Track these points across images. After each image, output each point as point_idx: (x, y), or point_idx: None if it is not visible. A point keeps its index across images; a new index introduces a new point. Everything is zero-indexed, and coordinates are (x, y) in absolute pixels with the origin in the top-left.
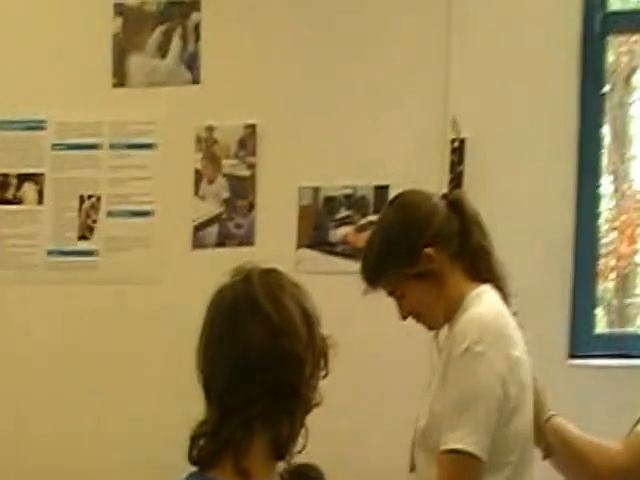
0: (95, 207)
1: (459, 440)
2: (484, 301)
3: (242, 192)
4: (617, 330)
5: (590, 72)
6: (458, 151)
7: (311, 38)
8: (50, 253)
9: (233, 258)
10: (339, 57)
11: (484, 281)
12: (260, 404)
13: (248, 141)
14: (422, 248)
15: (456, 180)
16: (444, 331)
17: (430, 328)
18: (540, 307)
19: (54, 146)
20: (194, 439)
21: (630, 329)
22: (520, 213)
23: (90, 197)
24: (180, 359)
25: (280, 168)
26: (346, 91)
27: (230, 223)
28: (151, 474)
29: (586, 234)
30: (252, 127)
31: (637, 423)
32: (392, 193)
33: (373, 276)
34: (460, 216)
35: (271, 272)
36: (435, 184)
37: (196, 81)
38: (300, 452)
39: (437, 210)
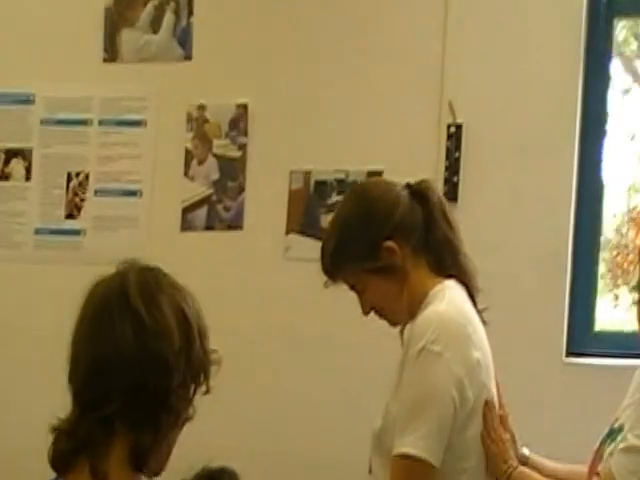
0: (83, 185)
1: (410, 444)
2: (446, 298)
3: (232, 173)
4: (615, 328)
5: (595, 54)
6: (454, 137)
7: (307, 17)
8: (37, 232)
9: (221, 242)
10: (335, 38)
11: (449, 276)
12: (118, 401)
13: (240, 121)
14: (383, 241)
15: (453, 167)
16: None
17: (393, 324)
18: (538, 302)
19: (43, 121)
20: (54, 440)
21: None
22: (519, 203)
23: (78, 174)
24: None
25: (271, 150)
26: (341, 74)
27: (219, 205)
28: None
29: (588, 226)
30: (244, 107)
31: (606, 443)
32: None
33: (332, 269)
34: (425, 207)
35: (151, 270)
36: (430, 171)
37: (188, 57)
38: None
39: (399, 201)
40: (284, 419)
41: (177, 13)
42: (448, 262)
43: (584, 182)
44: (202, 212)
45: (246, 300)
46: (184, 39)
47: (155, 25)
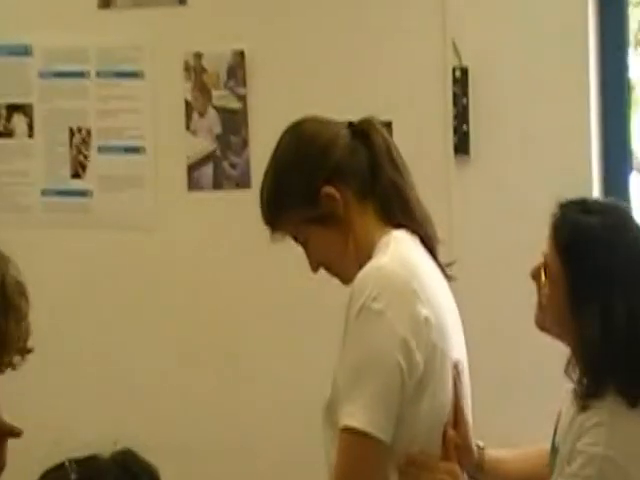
0: (86, 142)
1: (351, 416)
2: (390, 250)
3: (234, 127)
4: None
5: None
6: (460, 82)
7: None
8: (44, 193)
9: (230, 201)
10: None
11: (398, 225)
12: None
13: (237, 70)
14: (320, 185)
15: (462, 116)
16: None
17: (345, 282)
18: None
19: (41, 74)
20: None
21: None
22: (534, 153)
23: (80, 130)
24: (176, 305)
25: (272, 101)
26: (340, 18)
27: (225, 162)
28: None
29: (613, 176)
30: (240, 54)
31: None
32: (394, 132)
33: (270, 219)
34: (369, 148)
35: None
36: (439, 120)
37: (183, 1)
38: None
39: (338, 140)
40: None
41: None
42: (396, 210)
43: (609, 129)
44: (208, 169)
45: (259, 266)
46: None
47: None
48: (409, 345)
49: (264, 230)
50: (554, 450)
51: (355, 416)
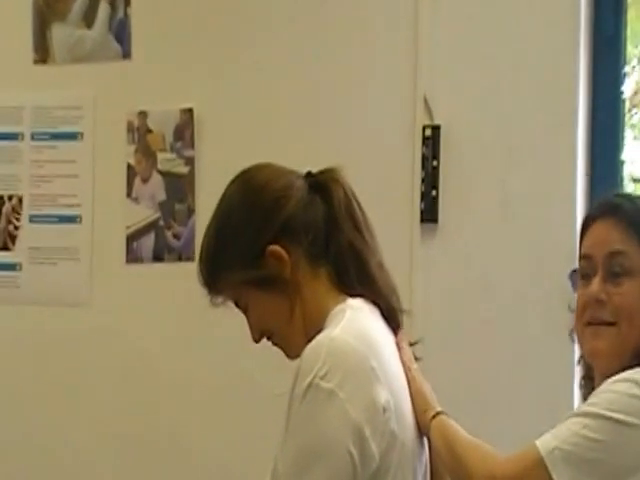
0: (16, 210)
1: None
2: (344, 320)
3: (180, 193)
4: None
5: (603, 40)
6: (430, 141)
7: (258, 7)
8: None
9: (171, 275)
10: (293, 30)
11: (356, 294)
12: None
13: (185, 130)
14: (266, 244)
15: (430, 179)
16: None
17: (290, 356)
18: (544, 352)
19: None
20: None
21: None
22: (512, 223)
23: (11, 198)
24: (111, 387)
25: (222, 164)
26: (300, 70)
27: (168, 232)
28: None
29: None
30: (189, 112)
31: None
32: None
33: (208, 279)
34: (327, 203)
35: None
36: (406, 184)
37: (127, 55)
38: None
39: (291, 192)
40: None
41: (112, 4)
42: (353, 276)
43: (594, 192)
44: (149, 240)
45: (202, 345)
46: (121, 34)
47: (89, 18)
48: (363, 433)
49: (209, 307)
50: None
51: None
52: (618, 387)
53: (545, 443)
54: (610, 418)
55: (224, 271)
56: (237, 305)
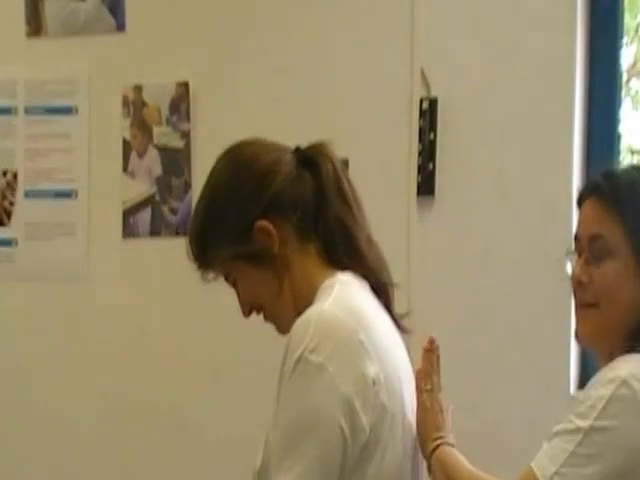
0: (11, 186)
1: None
2: (333, 294)
3: (176, 168)
4: None
5: (601, 11)
6: (428, 114)
7: None
8: None
9: (168, 250)
10: (287, 2)
11: (345, 269)
12: None
13: (181, 103)
14: (254, 219)
15: (427, 152)
16: None
17: (280, 330)
18: (541, 327)
19: None
20: None
21: None
22: (509, 196)
23: (5, 173)
24: (110, 364)
25: (218, 138)
26: (296, 41)
27: (164, 207)
28: None
29: None
30: (184, 86)
31: None
32: (351, 168)
33: (197, 254)
34: (315, 178)
35: None
36: (402, 157)
37: (121, 28)
38: None
39: (279, 167)
40: None
41: None
42: (342, 251)
43: (591, 165)
44: (146, 215)
45: (197, 320)
46: (115, 6)
47: None
48: (353, 405)
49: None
50: None
51: None
52: (605, 391)
53: (544, 470)
54: (602, 429)
55: (213, 246)
56: (227, 280)
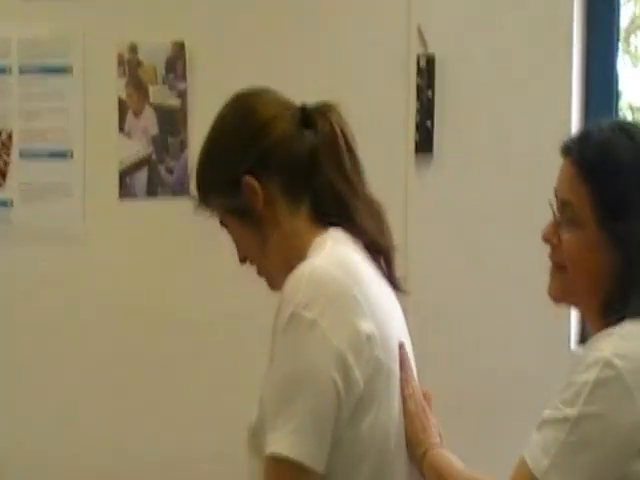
0: (6, 145)
1: (279, 442)
2: (326, 249)
3: (172, 127)
4: None
5: None
6: (425, 72)
7: None
8: None
9: (165, 210)
10: None
11: (334, 224)
12: None
13: (177, 63)
14: (243, 173)
15: (425, 110)
16: None
17: (272, 287)
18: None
19: None
20: None
21: None
22: (507, 154)
23: (0, 133)
24: (107, 324)
25: (215, 96)
26: (293, 3)
27: (161, 167)
28: None
29: None
30: (180, 45)
31: None
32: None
33: (198, 195)
34: (314, 137)
35: None
36: (400, 115)
37: None
38: None
39: (275, 123)
40: None
41: None
42: (332, 212)
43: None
44: (142, 175)
45: (195, 280)
46: None
47: None
48: (346, 360)
49: (201, 241)
50: None
51: (283, 442)
52: (589, 375)
53: (537, 463)
54: (590, 415)
55: (208, 192)
56: (221, 224)
